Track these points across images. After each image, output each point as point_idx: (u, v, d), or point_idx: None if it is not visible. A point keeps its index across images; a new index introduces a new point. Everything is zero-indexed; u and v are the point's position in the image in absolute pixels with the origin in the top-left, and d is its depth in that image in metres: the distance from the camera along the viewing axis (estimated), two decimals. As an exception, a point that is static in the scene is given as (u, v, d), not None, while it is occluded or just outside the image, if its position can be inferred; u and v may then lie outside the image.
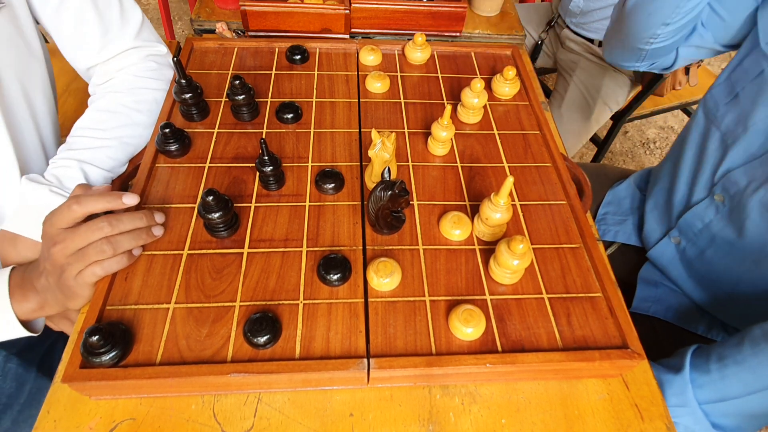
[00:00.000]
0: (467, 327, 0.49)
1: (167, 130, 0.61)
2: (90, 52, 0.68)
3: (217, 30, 0.92)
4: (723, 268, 0.69)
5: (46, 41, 0.71)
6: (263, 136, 0.67)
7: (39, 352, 0.70)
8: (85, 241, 0.48)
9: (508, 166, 0.68)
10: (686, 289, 0.74)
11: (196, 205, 0.59)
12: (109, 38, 0.68)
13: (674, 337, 0.74)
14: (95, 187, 0.55)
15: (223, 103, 0.72)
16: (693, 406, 0.56)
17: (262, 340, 0.47)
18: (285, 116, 0.69)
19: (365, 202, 0.61)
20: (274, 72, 0.78)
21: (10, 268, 0.54)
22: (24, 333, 0.53)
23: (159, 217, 0.55)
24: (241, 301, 0.51)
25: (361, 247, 0.56)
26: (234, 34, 0.93)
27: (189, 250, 0.55)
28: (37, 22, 0.67)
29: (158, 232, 0.55)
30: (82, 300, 0.52)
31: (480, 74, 0.82)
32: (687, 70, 1.23)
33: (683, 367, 0.57)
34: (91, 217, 0.51)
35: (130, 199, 0.53)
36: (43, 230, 0.50)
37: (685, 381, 0.56)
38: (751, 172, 0.63)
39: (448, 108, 0.62)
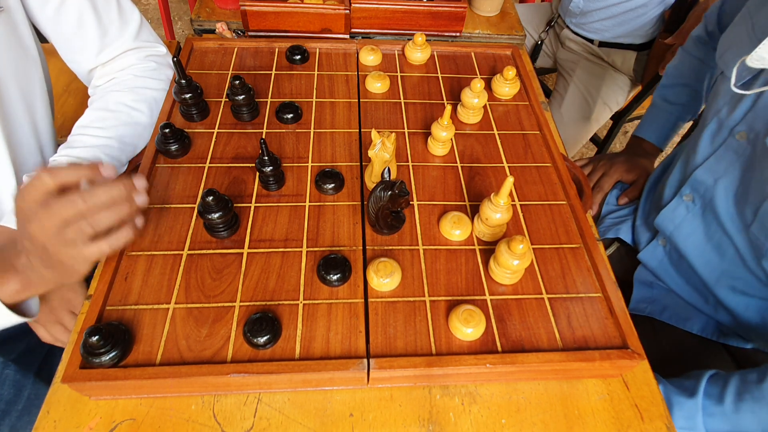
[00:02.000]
0: (467, 327, 0.49)
1: (167, 131, 0.61)
2: (89, 54, 0.68)
3: (217, 30, 0.92)
4: (705, 268, 0.69)
5: (44, 41, 0.70)
6: (263, 136, 0.67)
7: (37, 357, 0.70)
8: (58, 217, 0.43)
9: (508, 166, 0.68)
10: (677, 289, 0.75)
11: (196, 205, 0.59)
12: (109, 40, 0.68)
13: (673, 336, 0.74)
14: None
15: (223, 103, 0.72)
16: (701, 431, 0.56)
17: (262, 340, 0.47)
18: (285, 116, 0.69)
19: (365, 202, 0.60)
20: (274, 72, 0.78)
21: None
22: (15, 318, 0.50)
23: (140, 182, 0.48)
24: (241, 302, 0.51)
25: (361, 247, 0.56)
26: (234, 34, 0.93)
27: (189, 250, 0.55)
28: (35, 27, 0.66)
29: (141, 200, 0.48)
30: (80, 275, 0.48)
31: (480, 74, 0.82)
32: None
33: (697, 393, 0.57)
34: None
35: (108, 170, 0.46)
36: (16, 206, 0.46)
37: (697, 407, 0.56)
38: (713, 168, 0.66)
39: (448, 108, 0.62)
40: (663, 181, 0.78)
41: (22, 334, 0.67)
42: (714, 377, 0.58)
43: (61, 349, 0.52)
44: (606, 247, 0.88)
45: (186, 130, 0.66)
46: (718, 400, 0.56)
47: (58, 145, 0.66)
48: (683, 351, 0.73)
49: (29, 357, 0.69)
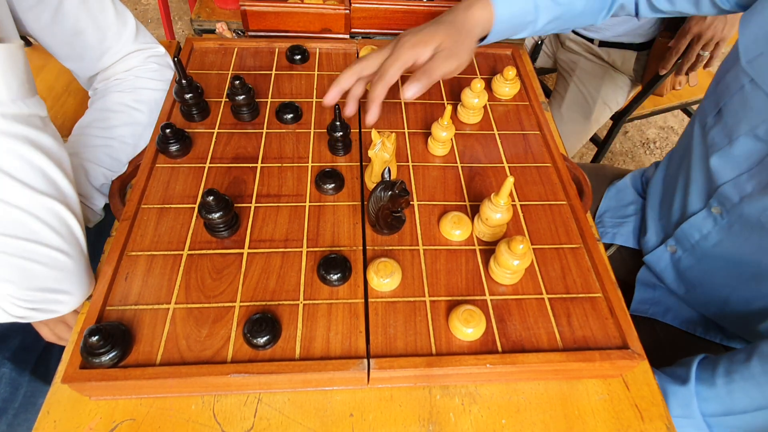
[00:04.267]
0: (467, 327, 0.49)
1: (168, 131, 0.61)
2: (90, 60, 0.67)
3: (217, 30, 0.92)
4: (716, 280, 0.68)
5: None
6: (263, 137, 0.67)
7: (33, 355, 0.70)
8: None
9: (508, 166, 0.68)
10: (680, 294, 0.75)
11: (196, 205, 0.59)
12: (108, 44, 0.67)
13: (674, 337, 0.74)
14: None
15: (223, 103, 0.72)
16: (697, 418, 0.56)
17: (262, 340, 0.47)
18: (285, 116, 0.69)
19: (365, 203, 0.60)
20: (274, 72, 0.78)
21: None
22: None
23: None
24: (241, 302, 0.51)
25: (361, 247, 0.56)
26: (234, 34, 0.93)
27: (189, 250, 0.55)
28: (26, 40, 0.66)
29: None
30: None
31: (480, 74, 0.82)
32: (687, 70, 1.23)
33: (689, 379, 0.56)
34: None
35: None
36: None
37: (691, 393, 0.56)
38: (741, 186, 0.63)
39: (448, 108, 0.62)
40: (675, 185, 0.76)
41: (15, 331, 0.67)
42: (704, 361, 0.58)
43: (57, 347, 0.52)
44: (606, 248, 0.88)
45: (186, 131, 0.66)
46: (710, 383, 0.55)
47: None
48: (684, 351, 0.73)
49: (24, 355, 0.69)
